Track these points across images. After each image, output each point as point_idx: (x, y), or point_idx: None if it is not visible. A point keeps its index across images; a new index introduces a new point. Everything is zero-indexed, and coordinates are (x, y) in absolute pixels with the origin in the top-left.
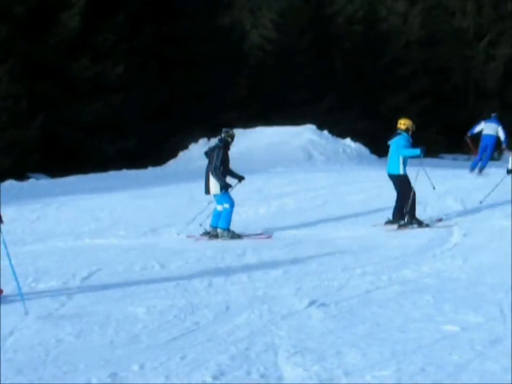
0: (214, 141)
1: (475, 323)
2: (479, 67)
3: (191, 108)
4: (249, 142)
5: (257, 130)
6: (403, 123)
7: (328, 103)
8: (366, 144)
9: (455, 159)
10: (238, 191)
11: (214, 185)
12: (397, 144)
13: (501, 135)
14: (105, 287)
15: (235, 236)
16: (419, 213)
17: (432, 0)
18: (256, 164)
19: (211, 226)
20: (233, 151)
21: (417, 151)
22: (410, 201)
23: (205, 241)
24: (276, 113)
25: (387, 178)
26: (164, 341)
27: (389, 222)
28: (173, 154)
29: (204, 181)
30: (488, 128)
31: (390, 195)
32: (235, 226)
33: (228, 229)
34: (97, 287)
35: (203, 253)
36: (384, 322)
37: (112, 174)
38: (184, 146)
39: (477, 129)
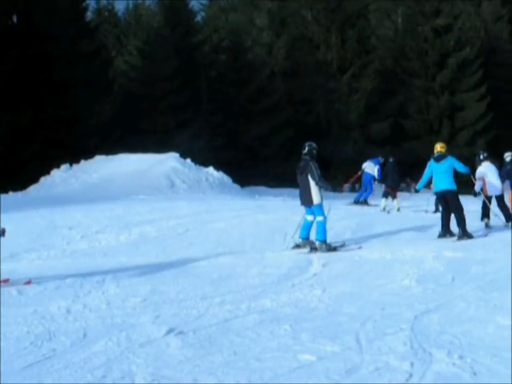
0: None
1: (331, 352)
2: (342, 99)
3: (54, 133)
4: (112, 168)
5: (120, 156)
6: (442, 146)
7: (192, 131)
8: (229, 173)
9: None
10: (98, 217)
11: (316, 195)
12: (453, 163)
13: (376, 174)
14: None
15: (331, 248)
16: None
17: (296, 32)
18: (118, 190)
19: (301, 238)
20: (95, 178)
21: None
22: (463, 215)
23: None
24: (139, 140)
25: (248, 207)
26: (19, 368)
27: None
28: (35, 180)
29: (300, 194)
30: (368, 167)
31: (250, 223)
32: (92, 254)
33: (325, 241)
34: None
35: (62, 280)
36: (242, 351)
37: None
38: (46, 172)
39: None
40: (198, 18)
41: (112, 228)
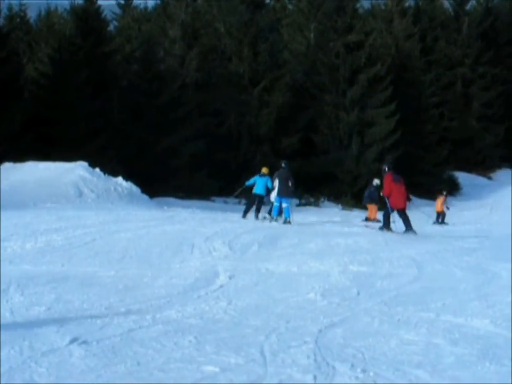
0: None
1: (235, 364)
2: (253, 112)
3: None
4: (20, 176)
5: (28, 164)
6: (266, 169)
7: (102, 140)
8: (138, 183)
9: (225, 202)
10: (4, 225)
11: (287, 192)
12: (266, 180)
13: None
14: None
15: (287, 222)
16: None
17: (209, 44)
18: (25, 198)
19: (273, 216)
20: (2, 185)
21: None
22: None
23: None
24: (48, 149)
25: (156, 218)
26: None
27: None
28: None
29: (280, 189)
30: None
31: (157, 234)
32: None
33: (289, 217)
34: None
35: None
36: (146, 361)
37: None
38: None
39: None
40: (111, 27)
41: (18, 236)
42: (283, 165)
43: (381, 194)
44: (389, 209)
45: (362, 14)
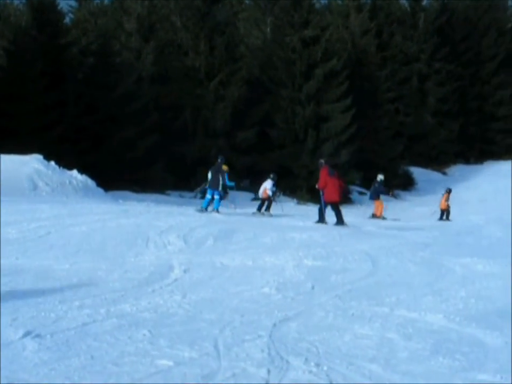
0: None
1: (189, 358)
2: (209, 106)
3: None
4: None
5: None
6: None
7: (57, 133)
8: (93, 177)
9: (181, 196)
10: None
11: (218, 184)
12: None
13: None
14: None
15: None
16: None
17: (165, 37)
18: None
19: (203, 207)
20: None
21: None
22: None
23: None
24: (2, 141)
25: (111, 211)
26: None
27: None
28: None
29: (211, 181)
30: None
31: (112, 227)
32: None
33: (217, 208)
34: None
35: None
36: (99, 355)
37: None
38: None
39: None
40: (67, 20)
41: None
42: (219, 159)
43: (316, 186)
44: (323, 203)
45: (319, 9)
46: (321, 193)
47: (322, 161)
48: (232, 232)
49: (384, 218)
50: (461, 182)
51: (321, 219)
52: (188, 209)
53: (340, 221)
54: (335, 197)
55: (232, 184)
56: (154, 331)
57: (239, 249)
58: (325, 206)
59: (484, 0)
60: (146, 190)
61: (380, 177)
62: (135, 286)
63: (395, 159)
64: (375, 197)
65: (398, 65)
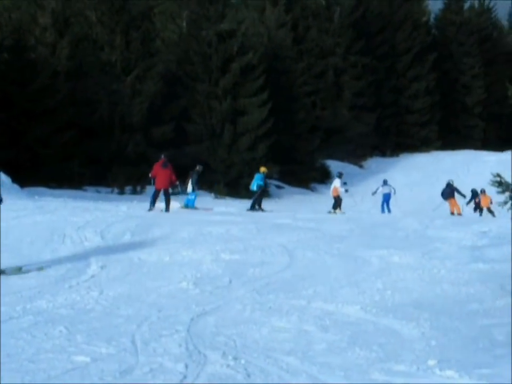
0: None
1: (106, 354)
2: (126, 101)
3: None
4: None
5: None
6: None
7: None
8: (8, 173)
9: (98, 191)
10: None
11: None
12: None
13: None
14: None
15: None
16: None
17: (80, 32)
18: None
19: (185, 206)
20: None
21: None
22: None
23: None
24: None
25: (27, 207)
26: None
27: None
28: None
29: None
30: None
31: (28, 224)
32: None
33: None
34: None
35: None
36: (16, 352)
37: None
38: None
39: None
40: None
41: None
42: (197, 167)
43: (149, 175)
44: (155, 189)
45: (234, 3)
46: (152, 180)
47: (163, 155)
48: (149, 227)
49: (460, 214)
50: (377, 174)
51: (151, 204)
52: (105, 204)
53: (167, 208)
54: (163, 184)
55: (262, 183)
56: (71, 327)
57: (157, 244)
58: (157, 192)
59: None
60: (63, 186)
61: (450, 180)
62: (52, 282)
63: (312, 153)
64: (447, 196)
65: (314, 59)
